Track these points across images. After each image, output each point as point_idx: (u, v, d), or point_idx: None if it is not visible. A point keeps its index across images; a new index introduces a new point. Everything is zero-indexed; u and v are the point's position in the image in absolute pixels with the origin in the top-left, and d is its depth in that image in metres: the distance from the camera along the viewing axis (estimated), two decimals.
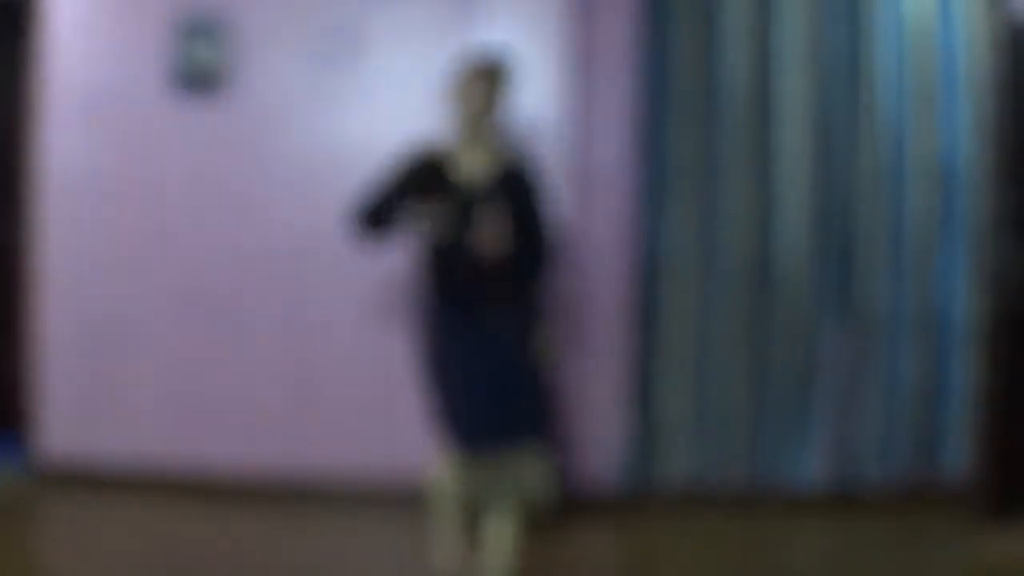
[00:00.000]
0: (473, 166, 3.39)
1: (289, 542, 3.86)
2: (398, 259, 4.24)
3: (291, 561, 3.66)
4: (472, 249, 3.24)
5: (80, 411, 4.47)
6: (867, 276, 4.37)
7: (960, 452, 4.38)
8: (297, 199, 4.40)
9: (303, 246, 4.41)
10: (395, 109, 4.36)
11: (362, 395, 4.42)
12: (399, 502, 4.23)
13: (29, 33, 4.49)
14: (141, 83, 4.40)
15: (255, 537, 3.92)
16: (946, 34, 4.35)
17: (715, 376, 4.35)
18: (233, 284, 4.43)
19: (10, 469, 4.52)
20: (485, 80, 3.37)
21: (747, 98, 4.31)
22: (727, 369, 4.39)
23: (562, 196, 4.11)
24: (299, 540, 3.89)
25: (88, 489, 4.33)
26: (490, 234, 3.19)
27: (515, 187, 3.36)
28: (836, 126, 4.29)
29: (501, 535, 3.38)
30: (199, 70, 4.35)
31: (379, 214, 3.38)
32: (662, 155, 4.31)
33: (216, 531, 3.97)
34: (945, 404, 4.45)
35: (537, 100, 4.25)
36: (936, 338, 4.44)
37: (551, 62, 4.25)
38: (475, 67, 3.39)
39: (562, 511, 4.16)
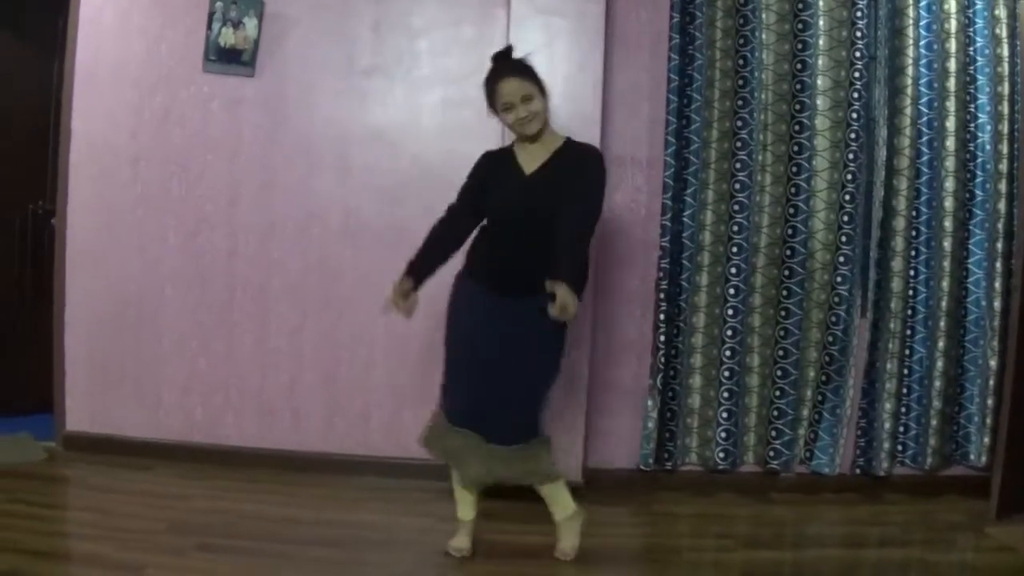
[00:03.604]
0: (532, 158, 3.45)
1: (312, 518, 3.90)
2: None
3: (311, 533, 3.70)
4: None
5: (106, 386, 4.52)
6: (895, 267, 4.36)
7: (984, 443, 4.37)
8: (329, 177, 4.43)
9: (332, 223, 4.43)
10: (431, 85, 4.38)
11: (387, 373, 4.45)
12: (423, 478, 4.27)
13: (65, 10, 4.49)
14: (175, 60, 4.42)
15: (266, 508, 3.95)
16: (981, 24, 4.32)
17: (740, 362, 4.35)
18: (262, 261, 4.46)
19: (41, 440, 4.55)
20: (521, 87, 3.38)
21: (778, 83, 4.30)
22: (753, 356, 4.40)
23: None
24: (323, 516, 3.93)
25: (112, 462, 4.37)
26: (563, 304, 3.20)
27: (571, 165, 3.38)
28: (867, 114, 4.26)
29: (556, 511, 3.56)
30: (233, 46, 4.34)
31: (441, 229, 3.52)
32: (692, 139, 4.29)
33: (228, 501, 4.01)
34: (970, 395, 4.44)
35: (567, 80, 4.23)
36: (963, 330, 4.43)
37: (583, 42, 4.22)
38: (509, 77, 3.41)
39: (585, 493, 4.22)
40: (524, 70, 3.43)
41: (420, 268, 3.47)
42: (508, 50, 3.51)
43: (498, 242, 3.45)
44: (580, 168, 3.38)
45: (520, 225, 3.38)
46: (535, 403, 3.44)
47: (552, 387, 3.47)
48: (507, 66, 3.45)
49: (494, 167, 3.54)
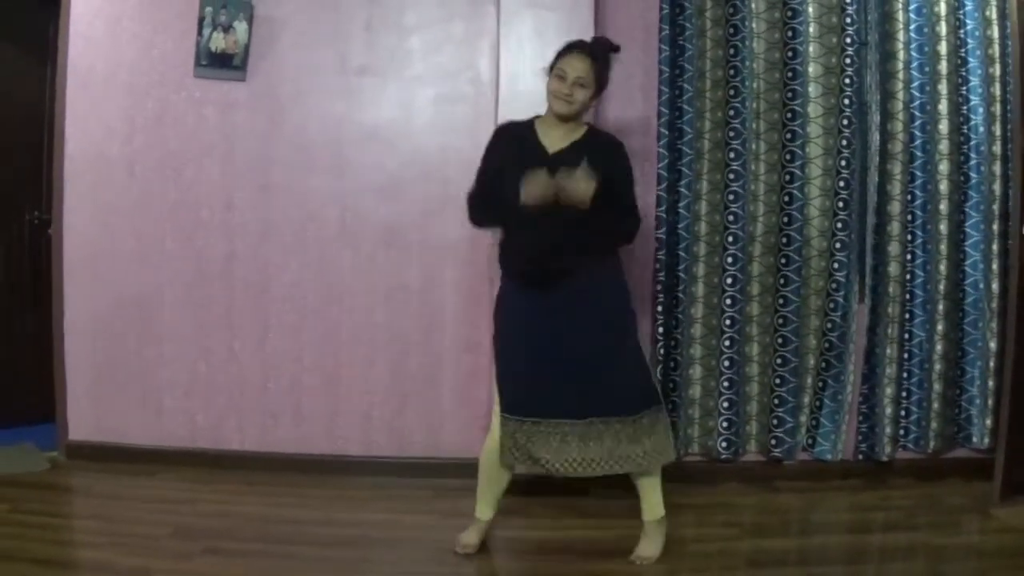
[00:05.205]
0: (556, 138, 3.42)
1: (317, 518, 3.90)
2: (425, 234, 4.26)
3: (317, 534, 3.70)
4: (554, 205, 3.24)
5: (108, 394, 4.51)
6: (892, 251, 4.35)
7: (986, 424, 4.37)
8: (324, 178, 4.41)
9: (328, 223, 4.42)
10: (423, 82, 4.37)
11: (388, 372, 4.44)
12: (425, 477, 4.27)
13: (55, 17, 4.46)
14: (167, 65, 4.40)
15: (271, 510, 3.95)
16: (971, 6, 4.31)
17: (740, 351, 4.35)
18: (260, 263, 4.45)
19: (44, 450, 4.54)
20: (585, 70, 3.36)
21: (769, 72, 4.29)
22: (752, 345, 4.40)
23: None
24: (328, 516, 3.93)
25: (116, 469, 4.35)
26: (575, 181, 3.22)
27: (598, 159, 3.35)
28: (860, 99, 4.25)
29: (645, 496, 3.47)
30: (224, 51, 4.32)
31: (489, 196, 3.43)
32: (685, 130, 4.29)
33: (232, 505, 4.01)
34: (971, 377, 4.44)
35: None
36: (962, 312, 4.43)
37: (574, 34, 4.18)
38: (584, 55, 3.38)
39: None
40: (599, 60, 3.40)
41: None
42: (615, 47, 3.48)
43: (528, 226, 3.33)
44: (611, 161, 3.39)
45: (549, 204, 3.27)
46: (637, 367, 3.41)
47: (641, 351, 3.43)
48: (591, 47, 3.42)
49: (512, 146, 3.45)
